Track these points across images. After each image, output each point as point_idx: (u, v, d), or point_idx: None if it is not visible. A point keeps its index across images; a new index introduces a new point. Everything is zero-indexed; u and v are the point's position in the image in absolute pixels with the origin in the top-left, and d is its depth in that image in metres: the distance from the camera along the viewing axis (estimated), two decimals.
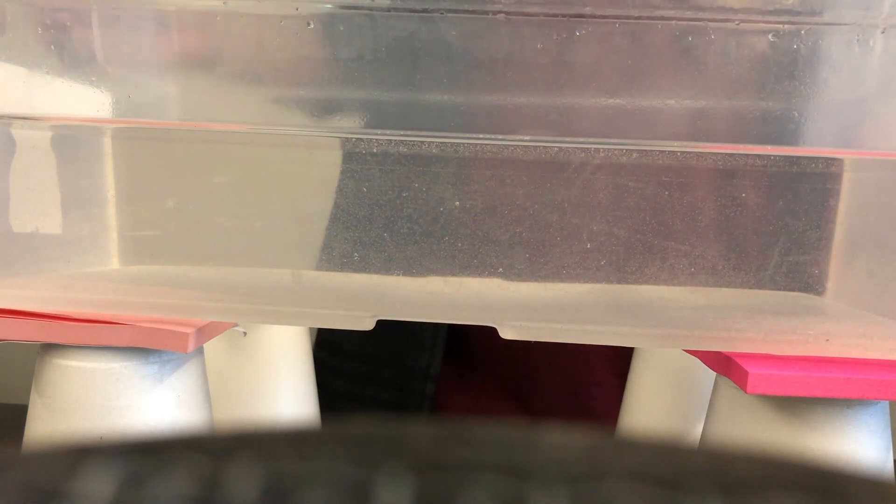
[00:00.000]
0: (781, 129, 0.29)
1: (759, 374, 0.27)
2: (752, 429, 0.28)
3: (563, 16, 0.28)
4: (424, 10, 0.28)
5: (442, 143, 0.31)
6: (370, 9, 0.28)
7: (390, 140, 0.31)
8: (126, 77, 0.31)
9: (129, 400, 0.29)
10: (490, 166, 0.31)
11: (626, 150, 0.30)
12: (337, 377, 0.59)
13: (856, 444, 0.27)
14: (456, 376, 0.58)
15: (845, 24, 0.28)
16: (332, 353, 0.59)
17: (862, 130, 0.30)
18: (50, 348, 0.29)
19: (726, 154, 0.30)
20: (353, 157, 0.32)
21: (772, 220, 0.31)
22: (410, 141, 0.31)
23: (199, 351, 0.32)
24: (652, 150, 0.30)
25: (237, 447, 0.10)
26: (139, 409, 0.29)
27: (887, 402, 0.28)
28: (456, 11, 0.28)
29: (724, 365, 0.29)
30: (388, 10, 0.28)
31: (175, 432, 0.11)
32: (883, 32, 0.28)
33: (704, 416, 0.32)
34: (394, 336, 0.54)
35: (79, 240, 0.35)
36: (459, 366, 0.59)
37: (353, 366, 0.59)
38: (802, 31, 0.28)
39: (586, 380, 0.57)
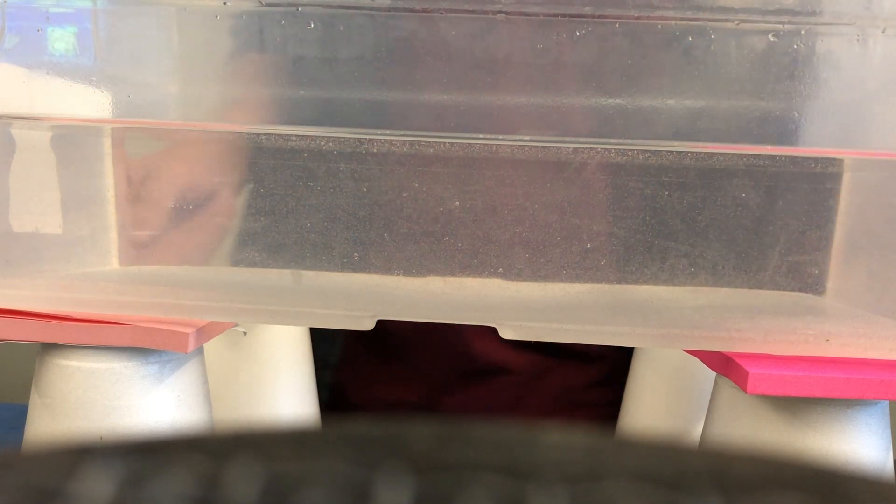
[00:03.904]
0: (781, 129, 0.29)
1: (759, 374, 0.27)
2: (752, 429, 0.28)
3: (563, 16, 0.28)
4: (424, 10, 0.28)
5: (441, 143, 0.31)
6: (370, 9, 0.28)
7: (390, 140, 0.31)
8: (126, 77, 0.31)
9: (129, 400, 0.29)
10: (490, 166, 0.31)
11: (627, 150, 0.30)
12: None
13: (856, 444, 0.27)
14: (363, 365, 0.61)
15: (845, 24, 0.28)
16: None
17: (862, 130, 0.30)
18: (50, 348, 0.29)
19: (726, 154, 0.30)
20: (353, 157, 0.32)
21: (772, 220, 0.31)
22: (410, 141, 0.31)
23: (199, 351, 0.32)
24: (652, 150, 0.30)
25: (237, 447, 0.10)
26: (139, 409, 0.29)
27: (887, 402, 0.28)
28: (456, 11, 0.28)
29: (724, 365, 0.29)
30: (388, 10, 0.28)
31: (175, 432, 0.11)
32: (883, 32, 0.28)
33: (704, 416, 0.32)
34: None
35: (79, 240, 0.35)
36: (367, 356, 0.61)
37: None
38: (802, 31, 0.28)
39: (486, 361, 0.58)
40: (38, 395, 0.30)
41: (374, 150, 0.32)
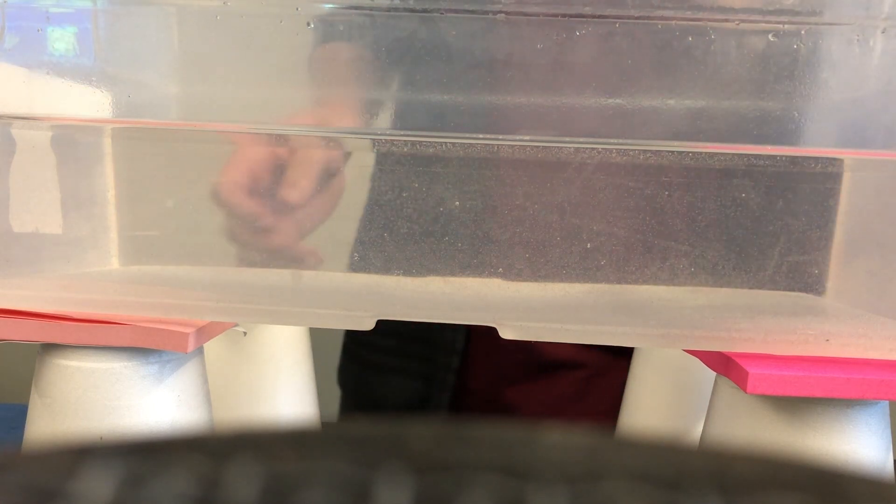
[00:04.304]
0: (781, 129, 0.29)
1: (759, 374, 0.27)
2: (752, 429, 0.28)
3: (563, 16, 0.28)
4: (424, 10, 0.28)
5: (442, 143, 0.31)
6: (370, 9, 0.28)
7: (390, 140, 0.31)
8: (126, 77, 0.31)
9: (129, 400, 0.29)
10: (490, 166, 0.31)
11: (627, 150, 0.30)
12: (369, 349, 0.65)
13: (856, 444, 0.27)
14: (482, 351, 0.61)
15: (845, 24, 0.28)
16: None
17: (862, 130, 0.30)
18: (50, 348, 0.29)
19: (726, 154, 0.30)
20: (354, 157, 0.32)
21: (772, 220, 0.31)
22: (410, 141, 0.31)
23: (199, 351, 0.32)
24: (652, 150, 0.30)
25: (237, 447, 0.10)
26: (139, 409, 0.29)
27: (887, 402, 0.28)
28: (456, 11, 0.28)
29: (724, 365, 0.29)
30: (388, 10, 0.28)
31: (175, 432, 0.11)
32: (883, 32, 0.28)
33: (704, 416, 0.32)
34: None
35: (79, 240, 0.35)
36: (487, 341, 0.61)
37: (384, 340, 0.64)
38: (802, 31, 0.28)
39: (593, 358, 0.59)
40: (38, 395, 0.30)
41: (375, 150, 0.32)
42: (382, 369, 0.64)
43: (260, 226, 0.33)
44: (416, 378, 0.62)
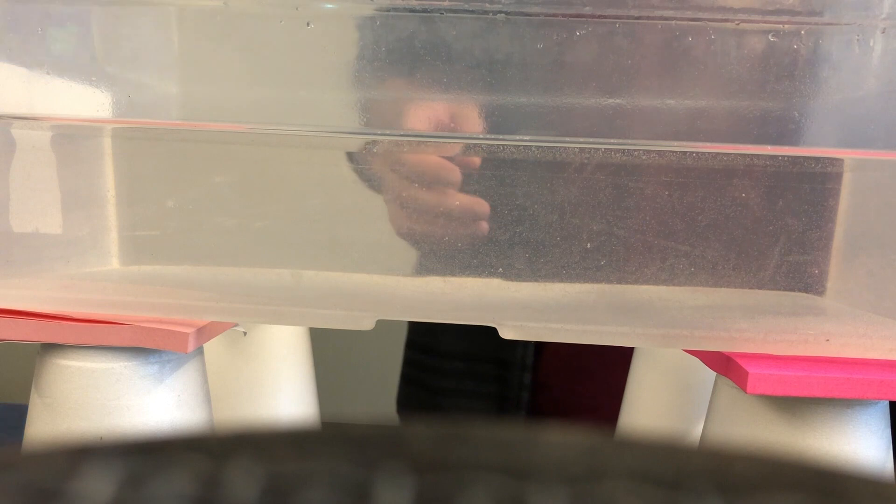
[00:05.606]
0: (781, 129, 0.29)
1: (759, 374, 0.27)
2: (752, 429, 0.28)
3: (563, 16, 0.28)
4: (424, 10, 0.28)
5: (442, 143, 0.31)
6: (370, 9, 0.28)
7: (390, 140, 0.31)
8: (126, 77, 0.31)
9: (129, 400, 0.29)
10: (490, 166, 0.31)
11: (626, 150, 0.30)
12: (436, 375, 0.64)
13: (856, 444, 0.27)
14: (557, 366, 0.61)
15: (845, 24, 0.28)
16: (428, 353, 0.65)
17: (862, 130, 0.30)
18: (50, 348, 0.29)
19: (726, 154, 0.30)
20: (355, 157, 0.32)
21: (772, 220, 0.31)
22: (410, 141, 0.31)
23: (199, 351, 0.32)
24: (652, 150, 0.30)
25: (237, 447, 0.10)
26: (139, 409, 0.29)
27: (887, 402, 0.28)
28: (456, 11, 0.28)
29: (724, 365, 0.29)
30: (388, 10, 0.28)
31: (175, 432, 0.11)
32: (883, 32, 0.28)
33: (704, 416, 0.32)
34: (485, 333, 0.59)
35: (79, 240, 0.35)
36: (560, 356, 0.61)
37: (451, 363, 0.63)
38: (802, 31, 0.28)
39: None
40: (38, 395, 0.30)
41: (374, 150, 0.32)
42: (451, 393, 0.63)
43: (447, 179, 0.32)
44: (488, 399, 0.62)
